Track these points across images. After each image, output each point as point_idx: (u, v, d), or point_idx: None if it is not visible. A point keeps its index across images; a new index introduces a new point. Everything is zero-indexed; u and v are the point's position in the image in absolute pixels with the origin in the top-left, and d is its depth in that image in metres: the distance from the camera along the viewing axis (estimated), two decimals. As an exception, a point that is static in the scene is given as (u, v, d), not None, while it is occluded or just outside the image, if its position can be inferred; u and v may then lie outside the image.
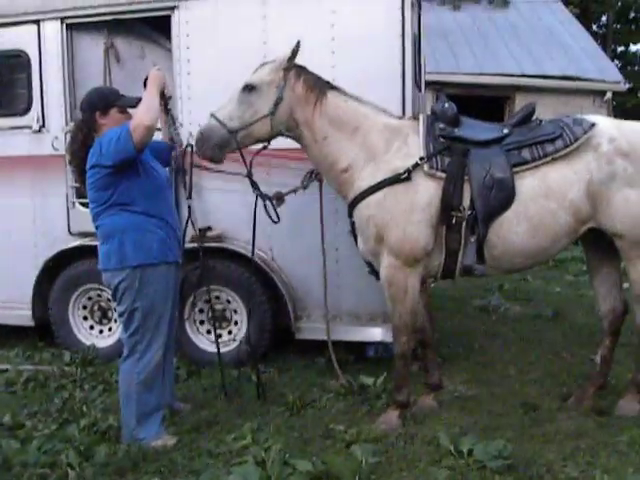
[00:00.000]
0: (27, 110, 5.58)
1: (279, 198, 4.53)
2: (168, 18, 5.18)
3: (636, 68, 29.97)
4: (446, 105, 4.16)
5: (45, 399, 4.72)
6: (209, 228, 5.16)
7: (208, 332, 5.41)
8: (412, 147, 4.07)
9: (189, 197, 4.97)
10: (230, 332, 5.39)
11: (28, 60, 5.52)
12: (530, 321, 6.81)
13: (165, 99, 4.04)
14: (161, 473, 3.54)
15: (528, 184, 3.98)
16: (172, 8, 5.14)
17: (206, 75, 5.10)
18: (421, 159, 3.99)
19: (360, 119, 4.13)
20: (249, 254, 5.03)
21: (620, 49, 30.86)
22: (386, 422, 4.11)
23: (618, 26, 30.13)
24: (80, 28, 5.51)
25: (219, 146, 4.01)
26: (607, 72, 15.26)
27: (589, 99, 14.87)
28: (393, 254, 4.01)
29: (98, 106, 3.92)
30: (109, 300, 5.50)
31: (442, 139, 4.07)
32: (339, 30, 4.84)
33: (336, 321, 5.05)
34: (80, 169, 3.91)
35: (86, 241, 5.34)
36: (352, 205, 4.14)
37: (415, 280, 4.06)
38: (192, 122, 5.11)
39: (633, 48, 31.03)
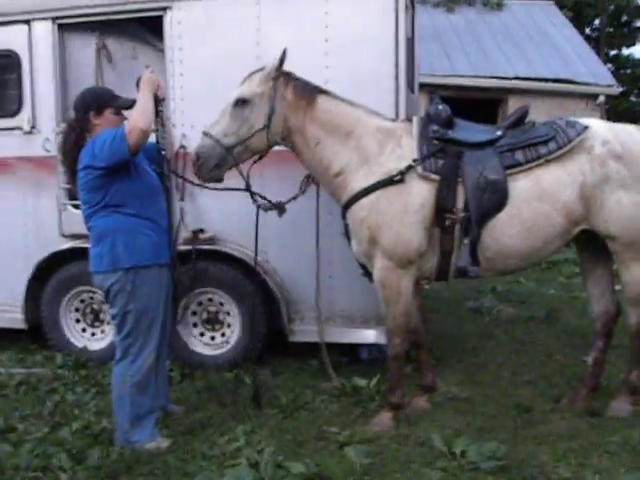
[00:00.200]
0: (18, 111, 5.54)
1: (280, 208, 4.49)
2: (160, 18, 5.17)
3: (628, 71, 30.08)
4: (440, 107, 4.16)
5: (37, 402, 4.69)
6: (202, 230, 5.14)
7: (201, 334, 5.39)
8: (406, 149, 4.07)
9: (181, 199, 4.96)
10: (223, 335, 5.37)
11: (19, 61, 5.48)
12: (523, 323, 6.82)
13: (158, 101, 4.02)
14: (154, 476, 3.52)
15: (521, 186, 3.99)
16: (165, 8, 5.13)
17: (199, 76, 5.09)
18: (414, 161, 3.99)
19: (352, 123, 4.13)
20: (242, 256, 5.06)
21: (613, 52, 30.99)
22: (380, 424, 4.11)
23: (611, 30, 30.26)
24: (72, 28, 5.49)
25: (217, 165, 3.99)
26: (600, 75, 15.34)
27: (582, 102, 14.94)
28: (386, 256, 4.01)
29: (92, 106, 3.89)
30: (101, 302, 5.47)
31: (436, 141, 4.07)
32: (333, 31, 4.84)
33: (330, 323, 5.04)
34: (72, 169, 3.88)
35: (78, 243, 5.32)
36: (346, 207, 4.14)
37: (408, 282, 4.06)
38: (185, 123, 5.11)
39: (626, 51, 31.19)
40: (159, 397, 4.13)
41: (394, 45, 4.76)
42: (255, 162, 4.27)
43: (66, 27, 5.46)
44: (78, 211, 5.14)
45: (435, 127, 4.11)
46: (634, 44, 30.56)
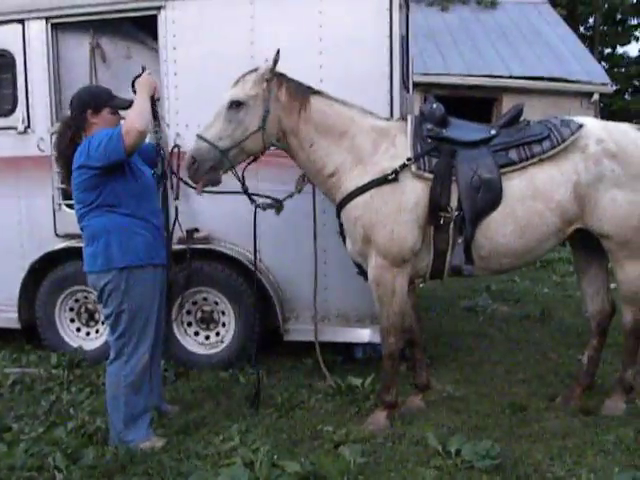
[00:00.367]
0: (12, 111, 5.53)
1: (278, 206, 4.47)
2: (154, 18, 5.16)
3: (623, 70, 30.13)
4: (434, 106, 4.16)
5: (32, 402, 4.69)
6: (196, 230, 5.14)
7: (196, 334, 5.39)
8: (400, 148, 4.07)
9: (176, 198, 4.95)
10: (218, 334, 5.37)
11: (13, 60, 5.47)
12: (518, 322, 6.83)
13: (154, 103, 4.01)
14: (149, 475, 3.52)
15: (515, 185, 4.00)
16: (158, 8, 5.11)
17: (193, 75, 5.08)
18: (408, 160, 3.99)
19: (346, 123, 4.12)
20: (237, 255, 5.05)
21: (607, 51, 31.04)
22: (374, 423, 4.11)
23: (605, 28, 30.31)
24: (65, 28, 5.47)
25: (213, 168, 3.97)
26: (594, 74, 15.37)
27: (576, 101, 14.97)
28: (381, 255, 4.01)
29: (90, 105, 3.88)
30: (96, 302, 5.46)
31: (430, 140, 4.08)
32: (327, 30, 4.83)
33: (324, 322, 5.04)
34: (67, 168, 3.87)
35: (72, 243, 5.31)
36: (340, 206, 4.14)
37: (403, 280, 4.06)
38: (179, 122, 5.11)
39: (620, 50, 31.25)
40: (153, 397, 4.13)
41: (388, 44, 4.76)
42: (249, 164, 4.26)
43: (60, 27, 5.44)
44: (73, 211, 5.12)
45: (429, 126, 4.11)
46: (628, 42, 30.59)
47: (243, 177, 4.23)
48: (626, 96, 29.50)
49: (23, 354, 5.77)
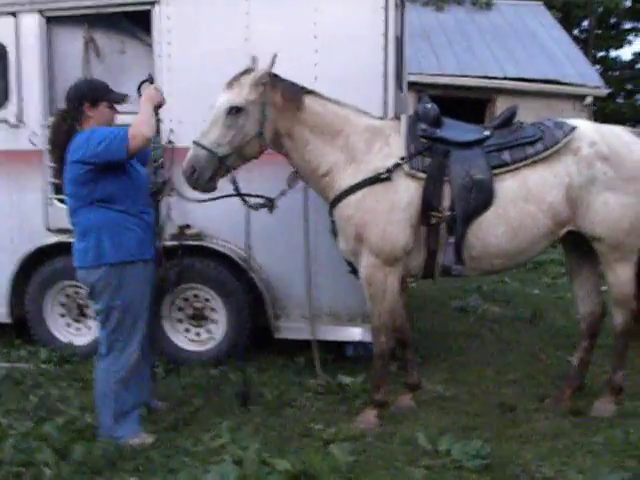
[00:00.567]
0: (4, 104, 5.49)
1: (270, 205, 4.44)
2: (149, 13, 5.13)
3: (616, 73, 30.29)
4: (428, 106, 4.17)
5: (21, 397, 4.66)
6: (188, 226, 5.12)
7: (186, 330, 5.38)
8: (393, 147, 4.07)
9: (169, 194, 4.94)
10: (209, 331, 5.35)
11: (5, 53, 5.42)
12: (508, 322, 6.84)
13: (157, 116, 3.99)
14: (138, 471, 3.51)
15: (508, 186, 4.01)
16: (153, 3, 5.08)
17: (187, 71, 5.06)
18: (402, 159, 4.00)
19: (341, 122, 4.11)
20: (228, 252, 5.04)
21: (600, 54, 31.17)
22: (364, 421, 4.11)
23: (599, 31, 30.44)
24: (59, 21, 5.44)
25: (212, 177, 3.94)
26: (588, 77, 15.42)
27: (570, 103, 15.03)
28: (373, 253, 4.01)
29: (88, 98, 3.85)
30: (86, 298, 5.43)
31: (423, 140, 4.08)
32: (322, 28, 4.82)
33: (315, 321, 5.03)
34: (61, 161, 3.84)
35: (64, 238, 5.28)
36: (333, 205, 4.13)
37: (395, 280, 4.06)
38: (172, 119, 5.08)
39: (613, 53, 31.41)
40: (143, 393, 4.11)
41: (383, 43, 4.75)
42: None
43: (54, 20, 5.41)
44: (64, 205, 5.11)
45: (423, 126, 4.11)
46: (622, 46, 30.76)
47: (235, 180, 4.20)
48: (619, 99, 29.64)
49: (13, 349, 5.74)
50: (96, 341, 4.81)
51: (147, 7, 5.13)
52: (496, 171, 4.01)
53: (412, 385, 4.53)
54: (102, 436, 3.87)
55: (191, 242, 5.09)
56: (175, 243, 4.99)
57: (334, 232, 4.30)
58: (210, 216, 5.10)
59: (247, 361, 5.21)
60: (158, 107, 3.98)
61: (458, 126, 4.25)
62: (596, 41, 29.83)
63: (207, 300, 5.31)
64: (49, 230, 5.43)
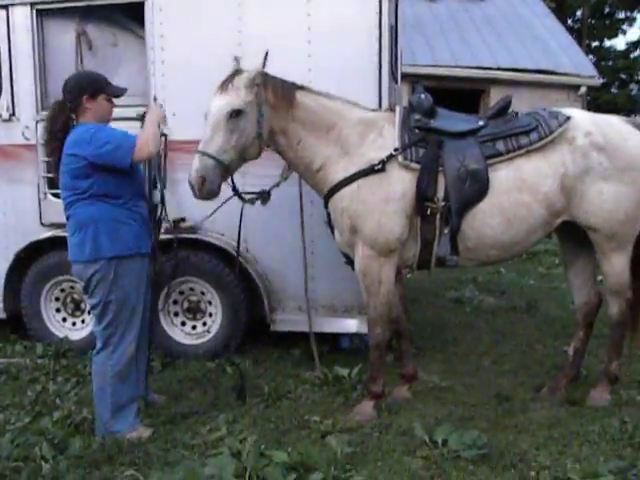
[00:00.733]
0: (-4, 99, 5.47)
1: (265, 197, 4.39)
2: (141, 5, 5.10)
3: (610, 63, 30.29)
4: (422, 96, 4.16)
5: (18, 392, 4.66)
6: (183, 219, 5.11)
7: (182, 324, 5.38)
8: (387, 139, 4.06)
9: (163, 187, 4.91)
10: (205, 324, 5.36)
11: (-4, 47, 5.40)
12: (504, 313, 6.86)
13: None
14: (136, 465, 3.51)
15: (502, 176, 4.00)
16: (146, -5, 5.07)
17: (180, 63, 5.04)
18: (395, 150, 3.99)
19: (333, 117, 4.09)
20: (223, 245, 5.04)
21: (594, 44, 31.18)
22: (361, 413, 4.12)
23: (593, 21, 30.43)
24: (51, 14, 5.40)
25: (219, 184, 3.90)
26: (582, 67, 15.41)
27: (564, 93, 15.02)
28: (368, 245, 4.01)
29: (87, 90, 3.83)
30: (82, 292, 5.42)
31: (417, 130, 4.07)
32: (315, 20, 4.81)
33: (311, 313, 5.04)
34: (58, 153, 3.81)
35: (58, 232, 5.26)
36: (327, 197, 4.13)
37: (390, 270, 4.06)
38: (166, 111, 5.04)
39: (607, 43, 31.39)
40: (140, 387, 4.11)
41: (377, 34, 4.74)
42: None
43: (45, 13, 5.37)
44: (58, 200, 5.08)
45: (417, 116, 4.10)
46: (616, 36, 30.77)
47: (232, 178, 4.16)
48: (613, 89, 29.66)
49: (8, 344, 5.74)
50: (92, 336, 4.82)
51: (140, -1, 5.10)
52: (490, 161, 4.00)
53: (408, 376, 4.54)
54: (99, 430, 3.87)
55: (186, 235, 5.07)
56: (170, 236, 4.97)
57: (330, 224, 4.30)
58: (204, 209, 5.08)
59: (243, 354, 5.24)
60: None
61: (452, 116, 4.24)
62: (590, 31, 29.87)
63: (203, 293, 5.31)
64: (43, 225, 5.40)
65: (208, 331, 5.32)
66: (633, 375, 4.77)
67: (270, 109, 3.97)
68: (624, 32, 30.89)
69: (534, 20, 17.06)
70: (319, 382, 4.69)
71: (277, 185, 4.37)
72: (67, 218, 3.88)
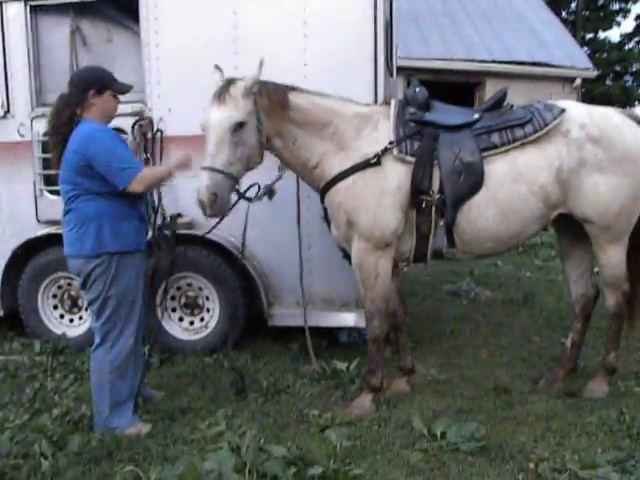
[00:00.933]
0: (-9, 96, 5.45)
1: (270, 193, 4.37)
2: (136, 0, 5.08)
3: (604, 55, 30.29)
4: (417, 90, 4.16)
5: (16, 389, 4.66)
6: (179, 215, 5.10)
7: (180, 319, 5.38)
8: (383, 132, 4.07)
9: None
10: (202, 319, 5.36)
11: (-10, 43, 5.37)
12: (501, 306, 6.88)
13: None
14: (135, 461, 3.50)
15: (497, 168, 4.00)
16: (140, -10, 5.05)
17: (175, 59, 5.02)
18: (390, 143, 3.99)
19: (328, 115, 4.07)
20: (220, 240, 5.03)
21: (589, 36, 31.16)
22: (360, 406, 4.13)
23: (587, 13, 30.41)
24: (44, 10, 5.37)
25: (229, 199, 3.87)
26: (577, 59, 15.43)
27: (559, 85, 15.03)
28: (364, 238, 4.01)
29: (94, 85, 3.81)
30: (79, 289, 5.41)
31: (412, 123, 4.07)
32: (311, 14, 4.80)
33: (309, 307, 5.04)
34: (60, 147, 3.79)
35: (55, 229, 5.25)
36: (323, 192, 4.13)
37: (386, 264, 4.06)
38: (161, 107, 5.06)
39: (602, 35, 31.39)
40: (137, 382, 4.11)
41: (373, 28, 4.73)
42: None
43: (39, 9, 5.35)
44: (55, 197, 5.09)
45: (412, 109, 4.10)
46: (610, 28, 30.77)
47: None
48: (607, 81, 29.67)
49: (6, 342, 5.73)
50: (89, 332, 4.82)
51: (134, -5, 5.08)
52: (485, 154, 4.00)
53: (406, 369, 4.55)
54: (98, 426, 3.87)
55: (183, 231, 5.06)
56: (167, 232, 4.97)
57: (326, 219, 4.30)
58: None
59: (241, 349, 5.24)
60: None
61: (447, 109, 4.24)
62: (584, 23, 29.85)
63: (200, 289, 5.31)
64: (39, 222, 5.39)
65: (206, 326, 5.32)
66: (630, 366, 4.80)
67: (267, 114, 3.94)
68: (618, 24, 30.91)
69: (529, 12, 17.06)
70: (317, 376, 4.69)
71: (279, 179, 4.34)
72: (67, 212, 3.85)
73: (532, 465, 3.38)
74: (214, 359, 5.09)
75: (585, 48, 27.22)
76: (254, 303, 5.19)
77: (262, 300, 5.13)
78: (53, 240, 5.25)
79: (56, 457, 3.53)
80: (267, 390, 4.46)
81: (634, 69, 30.07)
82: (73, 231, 3.81)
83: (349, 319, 5.08)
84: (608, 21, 30.54)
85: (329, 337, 5.45)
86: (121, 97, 4.03)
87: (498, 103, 4.19)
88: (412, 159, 3.99)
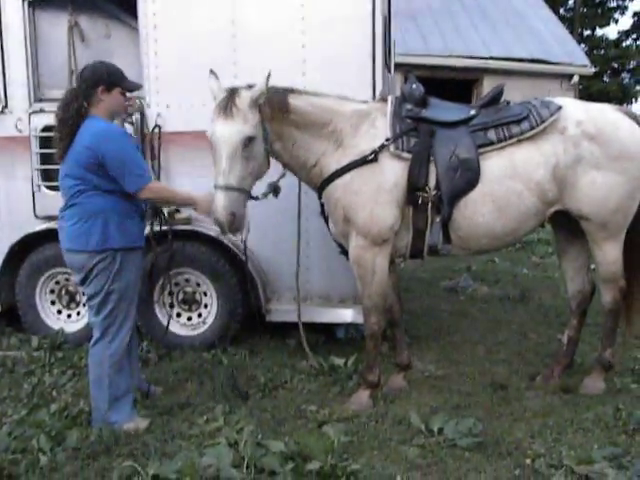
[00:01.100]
0: (-12, 91, 5.44)
1: (276, 190, 4.32)
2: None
3: (602, 52, 30.29)
4: (414, 86, 4.16)
5: (14, 385, 4.67)
6: (177, 210, 5.10)
7: (178, 315, 5.38)
8: (379, 129, 4.07)
9: (157, 179, 4.92)
10: (200, 315, 5.36)
11: (-12, 38, 5.36)
12: (498, 302, 6.90)
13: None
14: (134, 456, 3.51)
15: (494, 165, 4.01)
16: (138, -14, 5.04)
17: (174, 55, 5.02)
18: (387, 140, 3.99)
19: (327, 115, 4.07)
20: (218, 236, 5.03)
21: (587, 33, 31.15)
22: (357, 402, 4.14)
23: (585, 10, 30.38)
24: (42, 5, 5.37)
25: (244, 215, 3.85)
26: (574, 56, 15.43)
27: (556, 82, 15.04)
28: (361, 235, 4.02)
29: (104, 81, 3.79)
30: (77, 284, 5.41)
31: (409, 120, 4.08)
32: (309, 10, 4.79)
33: (307, 303, 5.05)
34: (67, 140, 3.76)
35: (52, 224, 5.24)
36: (321, 188, 4.13)
37: (383, 260, 4.07)
38: (160, 103, 5.05)
39: (599, 32, 31.36)
40: (134, 377, 4.12)
41: (371, 24, 4.73)
42: None
43: (37, 4, 5.34)
44: (52, 192, 5.09)
45: (409, 106, 4.11)
46: (607, 24, 30.74)
47: None
48: (605, 78, 29.67)
49: (4, 337, 5.73)
50: (87, 328, 4.82)
51: (132, -10, 5.08)
52: (482, 150, 4.01)
53: (403, 365, 4.56)
54: (97, 421, 3.87)
55: (181, 227, 5.07)
56: (165, 228, 4.97)
57: (323, 215, 4.30)
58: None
59: (239, 344, 5.25)
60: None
61: (444, 106, 4.24)
62: (582, 20, 29.83)
63: (198, 284, 5.32)
64: (37, 217, 5.39)
65: (204, 322, 5.33)
66: (627, 363, 4.81)
67: (269, 121, 3.92)
68: (616, 21, 30.83)
69: (527, 9, 17.04)
70: (315, 372, 4.71)
71: (283, 176, 4.33)
72: (70, 206, 3.81)
73: (529, 461, 3.40)
74: (212, 355, 5.09)
75: (583, 45, 27.19)
76: (252, 299, 5.20)
77: (260, 296, 5.13)
78: (51, 236, 5.24)
79: (54, 452, 3.55)
80: (265, 386, 4.48)
81: (631, 66, 30.04)
82: (77, 225, 3.78)
83: (347, 315, 5.09)
84: (606, 18, 30.50)
85: (327, 333, 5.46)
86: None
87: (495, 100, 4.20)
88: (409, 156, 3.99)
